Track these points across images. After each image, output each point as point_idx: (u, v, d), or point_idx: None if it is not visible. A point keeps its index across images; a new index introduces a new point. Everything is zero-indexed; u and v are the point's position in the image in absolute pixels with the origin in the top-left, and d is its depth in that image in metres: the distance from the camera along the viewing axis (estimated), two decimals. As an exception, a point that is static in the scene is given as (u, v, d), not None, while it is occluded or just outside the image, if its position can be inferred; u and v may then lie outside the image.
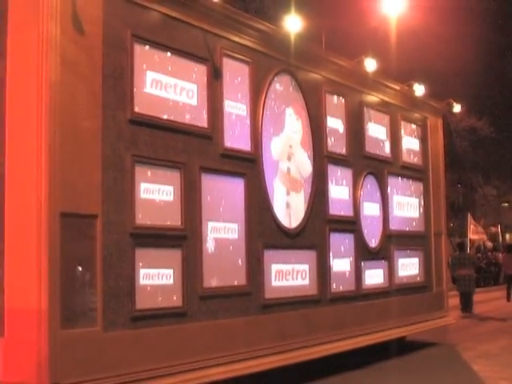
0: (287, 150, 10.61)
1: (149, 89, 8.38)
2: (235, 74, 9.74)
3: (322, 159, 11.34)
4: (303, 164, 10.92)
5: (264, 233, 9.96)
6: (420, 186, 14.58)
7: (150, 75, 8.41)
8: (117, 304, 7.72)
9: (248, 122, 9.87)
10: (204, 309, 8.84)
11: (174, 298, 8.46)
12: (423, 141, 14.76)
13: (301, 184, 10.84)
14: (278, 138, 10.44)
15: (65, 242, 7.22)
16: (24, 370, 7.06)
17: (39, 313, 7.00)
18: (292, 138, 10.75)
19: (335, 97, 11.93)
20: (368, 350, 12.06)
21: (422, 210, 14.58)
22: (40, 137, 7.17)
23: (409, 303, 13.50)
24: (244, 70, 9.91)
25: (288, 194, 10.56)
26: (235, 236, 9.47)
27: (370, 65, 12.31)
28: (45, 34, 7.25)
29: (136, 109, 8.15)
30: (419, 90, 14.06)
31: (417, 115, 14.67)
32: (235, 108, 9.66)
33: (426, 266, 14.44)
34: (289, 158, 10.61)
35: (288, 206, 10.52)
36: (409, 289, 13.69)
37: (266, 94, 10.21)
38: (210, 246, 9.01)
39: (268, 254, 10.01)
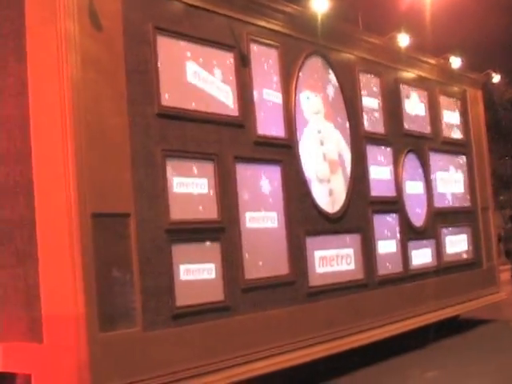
0: (321, 134, 10.33)
1: (175, 81, 8.17)
2: (264, 60, 9.52)
3: (359, 140, 11.09)
4: (340, 147, 10.68)
5: (305, 219, 9.74)
6: (463, 160, 14.23)
7: (175, 67, 8.21)
8: (156, 303, 7.56)
9: (280, 107, 9.64)
10: (247, 301, 8.65)
11: (215, 292, 8.28)
12: (463, 114, 14.39)
13: (339, 167, 10.59)
14: (312, 122, 10.17)
15: (98, 243, 7.06)
16: (65, 376, 6.93)
17: (76, 317, 6.85)
18: (326, 121, 10.46)
19: (369, 75, 11.63)
20: (421, 331, 11.80)
21: (466, 184, 14.23)
22: (65, 137, 7.00)
23: (459, 281, 13.19)
24: (273, 54, 9.67)
25: (327, 178, 10.30)
26: (275, 225, 9.26)
27: (403, 40, 11.97)
28: (63, 32, 7.08)
29: (163, 102, 7.96)
30: (456, 62, 13.69)
31: (455, 89, 14.31)
32: (266, 94, 9.45)
33: (474, 241, 14.10)
34: (323, 142, 10.34)
35: (328, 190, 10.28)
36: (458, 266, 13.38)
37: (297, 77, 9.97)
38: (249, 236, 8.80)
39: (310, 241, 9.79)
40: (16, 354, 7.35)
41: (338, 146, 10.64)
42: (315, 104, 10.31)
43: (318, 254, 9.92)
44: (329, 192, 10.30)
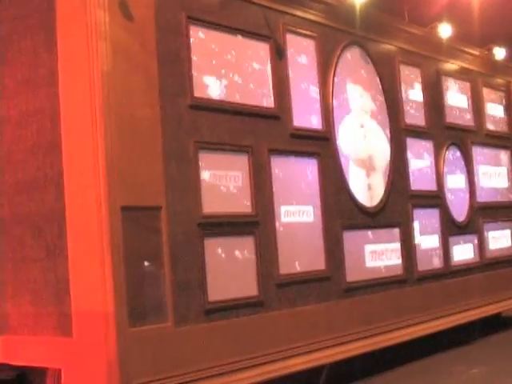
0: (360, 126, 10.12)
1: (208, 72, 8.02)
2: (301, 50, 9.32)
3: (399, 133, 10.86)
4: (378, 139, 10.44)
5: (342, 213, 9.55)
6: (507, 153, 13.90)
7: (209, 58, 8.06)
8: (188, 297, 7.41)
9: (318, 99, 9.44)
10: (281, 297, 8.48)
11: (249, 287, 8.12)
12: (508, 107, 14.06)
13: (378, 161, 10.35)
14: (351, 114, 9.97)
15: (128, 237, 6.92)
16: (94, 372, 6.82)
17: (105, 312, 6.73)
18: (365, 113, 10.25)
19: (410, 67, 11.37)
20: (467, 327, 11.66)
21: (510, 179, 13.90)
22: (95, 129, 6.88)
23: (502, 278, 12.90)
24: (310, 45, 9.48)
25: (365, 171, 10.10)
26: (311, 219, 9.08)
27: (445, 31, 11.69)
28: (94, 22, 6.94)
29: (196, 94, 7.81)
30: (500, 53, 13.34)
31: (499, 80, 14.01)
32: (303, 85, 9.26)
33: (520, 237, 13.78)
34: (362, 135, 10.13)
35: (366, 184, 10.08)
36: (502, 262, 13.10)
37: (335, 68, 9.77)
38: (284, 231, 8.64)
39: (347, 235, 9.58)
40: (46, 348, 7.31)
41: (378, 138, 10.42)
42: (355, 97, 10.08)
43: (355, 249, 9.74)
44: (367, 186, 10.08)
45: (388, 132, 10.62)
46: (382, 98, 10.60)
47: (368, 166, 10.18)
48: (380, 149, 10.43)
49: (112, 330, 6.72)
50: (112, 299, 6.73)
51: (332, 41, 9.80)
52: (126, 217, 6.93)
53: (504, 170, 13.76)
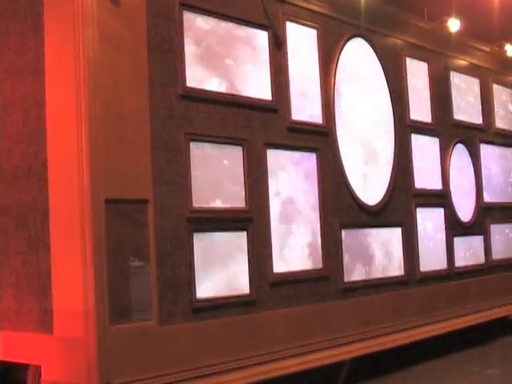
0: (362, 122, 9.79)
1: (202, 61, 7.72)
2: (301, 42, 9.00)
3: (404, 129, 10.54)
4: (382, 136, 10.11)
5: (341, 211, 9.25)
6: (517, 153, 13.57)
7: (203, 46, 7.75)
8: (175, 295, 7.13)
9: (318, 92, 9.13)
10: (275, 296, 8.19)
11: (241, 285, 7.83)
12: (519, 105, 13.72)
13: (380, 157, 10.03)
14: (353, 109, 9.64)
15: (112, 231, 6.65)
16: (73, 370, 6.60)
17: (86, 308, 6.49)
18: (368, 108, 9.92)
19: (417, 61, 11.04)
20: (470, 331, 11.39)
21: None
22: (80, 118, 6.62)
23: (510, 280, 12.53)
24: (311, 36, 9.15)
25: (366, 168, 9.77)
26: (309, 216, 8.76)
27: (454, 25, 11.34)
28: (80, 8, 6.67)
29: (188, 83, 7.51)
30: (511, 50, 12.96)
31: (510, 78, 13.60)
32: (303, 78, 8.93)
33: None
34: (364, 131, 9.80)
35: (367, 181, 9.75)
36: (510, 265, 12.70)
37: (337, 61, 9.45)
38: (279, 227, 8.33)
39: (346, 234, 9.27)
40: (27, 344, 7.11)
41: (380, 134, 10.08)
42: (357, 90, 9.76)
43: (354, 248, 9.42)
44: (368, 183, 9.74)
45: (392, 127, 10.27)
46: (386, 93, 10.26)
47: (369, 163, 9.83)
48: (383, 145, 10.08)
49: (92, 327, 6.47)
50: (93, 295, 6.48)
51: (335, 32, 9.49)
52: (110, 210, 6.66)
53: (513, 169, 13.40)
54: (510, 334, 12.56)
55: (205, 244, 7.47)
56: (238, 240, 7.85)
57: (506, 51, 13.01)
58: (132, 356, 6.67)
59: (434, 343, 10.58)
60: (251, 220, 7.98)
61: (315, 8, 9.21)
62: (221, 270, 7.61)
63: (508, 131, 13.33)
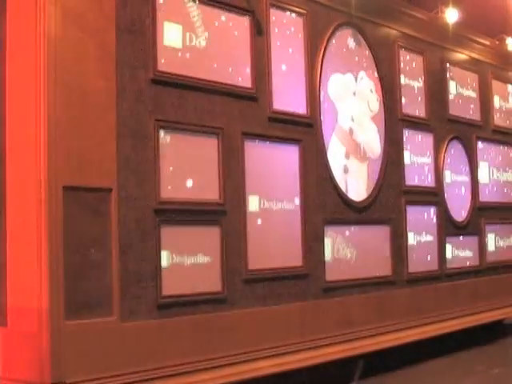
0: (350, 113, 9.36)
1: (177, 44, 7.31)
2: (287, 28, 8.59)
3: (395, 123, 10.12)
4: (370, 129, 9.68)
5: (325, 207, 8.83)
6: (516, 151, 13.12)
7: (178, 28, 7.34)
8: (138, 290, 6.74)
9: (304, 81, 8.72)
10: (249, 294, 7.79)
11: (211, 282, 7.42)
12: (520, 101, 13.27)
13: (368, 151, 9.60)
14: (340, 100, 9.22)
15: (70, 221, 6.25)
16: (25, 366, 6.21)
17: (39, 302, 6.10)
18: (356, 100, 9.49)
19: (411, 53, 10.60)
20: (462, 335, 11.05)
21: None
22: (39, 100, 6.22)
23: (504, 283, 12.11)
24: (297, 23, 8.74)
25: (353, 162, 9.34)
26: (288, 210, 8.35)
27: (452, 16, 10.89)
28: (43, -16, 6.27)
29: (160, 67, 7.10)
30: (512, 44, 12.54)
31: (511, 73, 13.14)
32: (287, 66, 8.52)
33: (525, 240, 12.99)
34: (351, 123, 9.38)
35: (354, 176, 9.34)
36: (504, 267, 12.29)
37: (325, 50, 9.03)
38: (256, 222, 7.94)
39: (330, 231, 8.85)
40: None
41: (369, 127, 9.66)
42: (345, 81, 9.32)
43: (338, 246, 9.01)
44: (355, 178, 9.32)
45: (383, 121, 9.85)
46: (377, 85, 9.83)
47: (357, 157, 9.42)
48: (372, 138, 9.66)
49: (45, 322, 6.10)
50: (46, 288, 6.10)
51: (323, 20, 9.07)
52: (68, 198, 6.26)
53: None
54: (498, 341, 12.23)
55: (173, 237, 7.06)
56: (210, 234, 7.45)
57: (506, 45, 12.55)
58: (90, 354, 6.28)
59: (439, 342, 10.37)
60: (225, 213, 7.57)
61: (302, -7, 8.79)
62: (190, 265, 7.20)
63: (506, 128, 12.85)
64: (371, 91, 9.75)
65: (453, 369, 9.96)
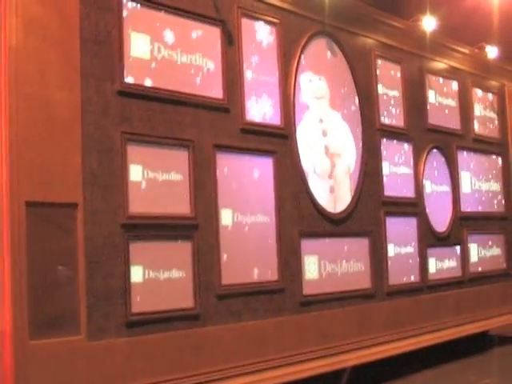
0: (324, 123, 9.20)
1: (144, 55, 7.15)
2: (259, 38, 8.43)
3: (373, 133, 9.95)
4: (347, 139, 9.52)
5: (301, 219, 8.64)
6: (498, 161, 12.96)
7: (145, 39, 7.17)
8: (107, 307, 6.54)
9: (277, 92, 8.54)
10: (223, 310, 7.59)
11: (183, 298, 7.23)
12: (500, 111, 13.12)
13: (344, 162, 9.43)
14: (314, 109, 9.06)
15: (33, 237, 6.07)
16: (-12, 387, 5.98)
17: (2, 321, 5.88)
18: (331, 109, 9.34)
19: (389, 62, 10.45)
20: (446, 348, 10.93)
21: (501, 188, 12.95)
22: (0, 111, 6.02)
23: (487, 294, 11.94)
24: (271, 32, 8.58)
25: (329, 173, 9.17)
26: (263, 224, 8.17)
27: (429, 24, 10.76)
28: (3, -7, 6.11)
29: (127, 79, 6.94)
30: (492, 52, 12.37)
31: (492, 82, 13.05)
32: (260, 76, 8.36)
33: (508, 250, 12.82)
34: (326, 133, 9.21)
35: (329, 187, 9.15)
36: (487, 277, 12.12)
37: (299, 60, 8.87)
38: (229, 236, 7.75)
39: (306, 244, 8.67)
40: None
41: (345, 137, 9.49)
42: (318, 88, 9.17)
43: (315, 259, 8.81)
44: (330, 189, 9.16)
45: (360, 131, 9.69)
46: (354, 95, 9.68)
47: (332, 167, 9.24)
48: (348, 149, 9.51)
49: (8, 342, 5.90)
50: (9, 307, 5.90)
51: (297, 29, 8.91)
52: (31, 214, 6.08)
53: (493, 178, 12.78)
54: (509, 344, 12.25)
55: (143, 253, 6.87)
56: (182, 249, 7.26)
57: (486, 53, 12.41)
58: (56, 374, 6.09)
59: (431, 352, 10.33)
60: (197, 227, 7.38)
61: (275, 2, 8.63)
62: (161, 281, 7.01)
63: (487, 137, 12.71)
64: (349, 101, 9.57)
65: (445, 379, 9.91)
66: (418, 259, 10.55)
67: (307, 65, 9.01)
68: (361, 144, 9.69)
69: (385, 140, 10.16)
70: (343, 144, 9.44)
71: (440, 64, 11.65)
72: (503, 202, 12.99)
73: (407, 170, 10.57)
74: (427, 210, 10.85)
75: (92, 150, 6.56)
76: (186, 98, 7.44)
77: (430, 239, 10.84)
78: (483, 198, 12.43)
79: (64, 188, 6.33)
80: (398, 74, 10.63)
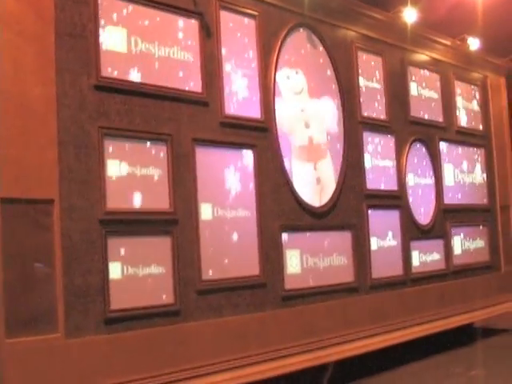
0: (306, 115, 9.13)
1: (121, 48, 7.06)
2: (238, 31, 8.35)
3: (355, 125, 9.87)
4: (330, 132, 9.45)
5: (282, 213, 8.57)
6: (480, 153, 12.93)
7: (122, 32, 7.08)
8: (85, 304, 6.47)
9: (257, 85, 8.47)
10: (204, 305, 7.52)
11: (163, 294, 7.16)
12: (483, 103, 13.09)
13: (328, 154, 9.36)
14: (294, 102, 8.99)
15: (9, 234, 5.99)
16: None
17: (-23, 321, 5.80)
18: (312, 101, 9.26)
19: (370, 54, 10.38)
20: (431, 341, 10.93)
21: (483, 180, 12.93)
22: (-27, 108, 5.94)
23: (471, 286, 11.90)
24: (250, 25, 8.50)
25: (312, 166, 9.10)
26: (244, 218, 8.10)
27: (411, 16, 10.69)
28: (-25, -14, 6.01)
29: (104, 73, 6.85)
30: (474, 44, 12.32)
31: (474, 74, 13.02)
32: (239, 70, 8.28)
33: (491, 243, 12.80)
34: (308, 124, 9.14)
35: (313, 180, 9.08)
36: (471, 270, 12.09)
37: (279, 52, 8.79)
38: (210, 231, 7.68)
39: (287, 237, 8.60)
40: None
41: (328, 130, 9.42)
42: (297, 82, 9.09)
43: (297, 253, 8.74)
44: (314, 182, 9.09)
45: (342, 124, 9.62)
46: (335, 87, 9.61)
47: (315, 159, 9.16)
48: (331, 141, 9.44)
49: (-17, 341, 5.78)
50: (-16, 305, 5.79)
51: (276, 21, 8.83)
52: (6, 210, 6.00)
53: (476, 170, 12.76)
54: (494, 336, 12.31)
55: (121, 249, 6.79)
56: (161, 244, 7.18)
57: (468, 45, 12.36)
58: (34, 373, 6.02)
59: (417, 344, 10.33)
60: (176, 222, 7.31)
61: (254, -6, 8.56)
62: (141, 277, 6.93)
63: (470, 129, 12.68)
64: (331, 94, 9.50)
65: (432, 371, 9.89)
66: (402, 252, 10.49)
67: (285, 60, 8.91)
68: (343, 136, 9.60)
69: (367, 132, 10.07)
70: (326, 136, 9.35)
71: (422, 56, 11.60)
72: (486, 194, 12.94)
73: (390, 163, 10.51)
74: (410, 203, 10.79)
75: (68, 145, 6.48)
76: (164, 91, 7.35)
77: (413, 232, 10.79)
78: (467, 190, 12.38)
79: (39, 184, 6.24)
80: (380, 67, 10.55)
